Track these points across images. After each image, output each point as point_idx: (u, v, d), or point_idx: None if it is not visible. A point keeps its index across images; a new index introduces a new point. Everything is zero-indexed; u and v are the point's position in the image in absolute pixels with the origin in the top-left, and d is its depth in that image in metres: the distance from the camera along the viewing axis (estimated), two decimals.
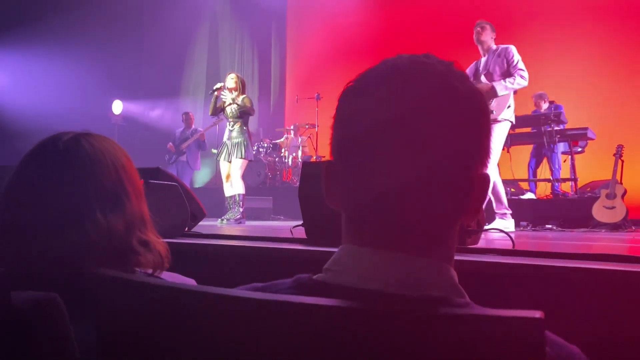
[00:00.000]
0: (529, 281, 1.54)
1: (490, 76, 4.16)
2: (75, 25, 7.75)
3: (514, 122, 4.18)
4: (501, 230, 2.51)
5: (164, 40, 9.29)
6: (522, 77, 4.04)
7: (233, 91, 5.30)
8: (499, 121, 4.00)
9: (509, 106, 4.04)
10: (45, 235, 0.85)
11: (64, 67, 7.72)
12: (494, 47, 4.24)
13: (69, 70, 7.76)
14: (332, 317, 0.40)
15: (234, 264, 2.15)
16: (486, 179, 0.61)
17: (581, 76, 7.38)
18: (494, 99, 4.04)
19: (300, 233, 2.37)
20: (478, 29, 4.26)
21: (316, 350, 0.40)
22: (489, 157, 0.61)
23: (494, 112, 4.02)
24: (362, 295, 0.56)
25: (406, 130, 0.56)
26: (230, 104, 5.30)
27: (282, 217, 6.63)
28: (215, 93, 5.38)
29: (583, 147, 6.33)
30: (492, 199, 4.08)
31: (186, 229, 2.63)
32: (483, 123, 0.60)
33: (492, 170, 3.96)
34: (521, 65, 4.07)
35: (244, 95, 5.34)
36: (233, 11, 10.36)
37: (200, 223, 2.86)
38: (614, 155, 5.14)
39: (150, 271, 0.91)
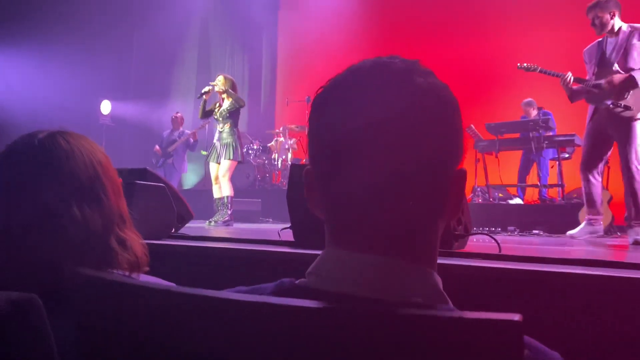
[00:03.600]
0: (514, 286, 1.55)
1: (623, 62, 3.51)
2: (64, 25, 7.69)
3: None
4: (488, 235, 2.52)
5: (154, 41, 9.25)
6: None
7: (222, 94, 5.27)
8: (638, 120, 3.41)
9: None
10: (22, 233, 0.84)
11: (52, 67, 7.66)
12: (624, 26, 3.54)
13: (57, 70, 7.69)
14: (309, 319, 0.40)
15: (221, 266, 2.14)
16: (462, 174, 0.60)
17: None
18: (630, 93, 3.42)
19: (288, 235, 2.36)
20: (591, 14, 3.58)
21: (291, 354, 0.40)
22: (464, 152, 0.61)
23: (632, 108, 3.40)
24: (343, 300, 0.55)
25: (372, 133, 0.56)
26: (219, 107, 5.27)
27: (271, 220, 6.61)
28: (204, 97, 5.35)
29: (570, 154, 6.39)
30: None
31: (173, 230, 2.62)
32: (449, 116, 0.59)
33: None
34: None
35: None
36: (224, 12, 10.34)
37: (188, 225, 2.84)
38: None
39: (127, 272, 0.90)
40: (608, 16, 3.55)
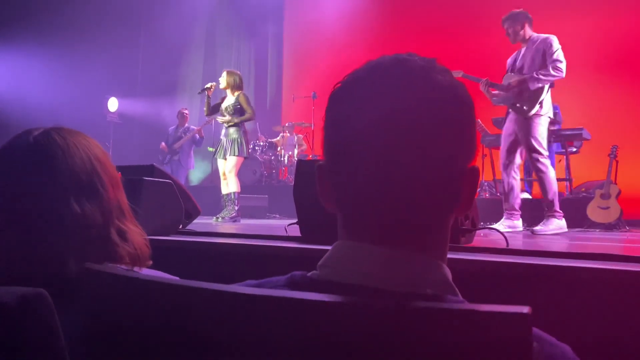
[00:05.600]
0: (522, 280, 1.55)
1: (521, 69, 3.96)
2: (72, 22, 7.72)
3: (552, 118, 3.95)
4: (495, 229, 2.52)
5: (161, 38, 9.26)
6: (555, 68, 3.77)
7: (226, 90, 5.27)
8: (532, 117, 3.80)
9: (541, 101, 3.81)
10: (24, 230, 0.84)
11: (59, 65, 7.69)
12: (534, 37, 3.99)
13: (64, 67, 7.72)
14: (322, 312, 0.40)
15: (228, 261, 2.14)
16: (475, 172, 0.61)
17: (577, 77, 7.42)
18: (527, 95, 3.83)
19: (295, 231, 2.36)
20: (506, 24, 4.06)
21: (305, 346, 0.40)
22: (477, 149, 0.62)
23: (525, 107, 3.82)
24: (355, 291, 0.56)
25: (391, 127, 0.57)
26: (225, 104, 5.27)
27: (278, 216, 6.62)
28: (207, 92, 5.35)
29: (578, 148, 6.35)
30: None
31: (180, 226, 2.63)
32: (466, 115, 0.61)
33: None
34: (558, 56, 3.81)
35: (239, 92, 5.26)
36: (230, 9, 10.34)
37: (195, 221, 2.85)
38: (609, 155, 5.16)
39: (130, 266, 0.90)
40: (519, 27, 4.02)
